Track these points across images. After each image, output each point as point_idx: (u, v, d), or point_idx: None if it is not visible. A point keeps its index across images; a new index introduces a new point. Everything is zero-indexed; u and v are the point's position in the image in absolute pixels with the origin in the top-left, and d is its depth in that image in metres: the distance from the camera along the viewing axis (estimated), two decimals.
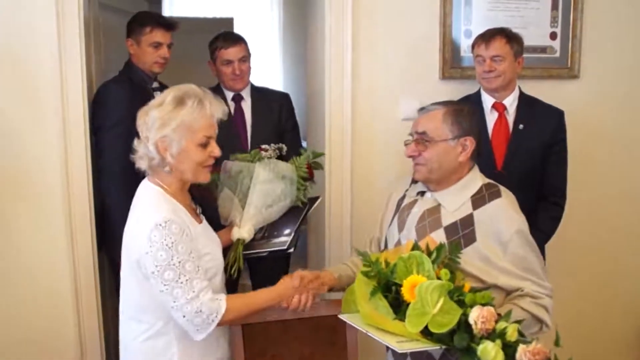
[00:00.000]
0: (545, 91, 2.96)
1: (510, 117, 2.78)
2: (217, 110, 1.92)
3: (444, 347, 1.69)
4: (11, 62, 2.61)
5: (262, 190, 2.31)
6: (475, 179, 2.10)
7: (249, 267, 3.14)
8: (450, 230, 2.02)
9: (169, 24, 2.96)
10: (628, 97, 3.29)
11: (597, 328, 3.42)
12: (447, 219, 2.04)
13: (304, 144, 3.58)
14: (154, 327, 1.91)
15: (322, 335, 2.15)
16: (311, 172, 2.51)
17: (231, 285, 2.45)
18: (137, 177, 2.01)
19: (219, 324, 1.87)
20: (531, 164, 2.76)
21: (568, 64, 3.20)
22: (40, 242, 2.71)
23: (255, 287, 2.95)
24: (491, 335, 1.64)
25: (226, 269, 2.26)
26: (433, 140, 2.04)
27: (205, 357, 1.98)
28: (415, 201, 2.16)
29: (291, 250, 2.28)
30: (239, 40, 3.13)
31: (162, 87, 2.91)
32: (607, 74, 3.25)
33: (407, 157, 2.12)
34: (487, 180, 2.12)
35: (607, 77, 3.26)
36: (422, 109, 2.15)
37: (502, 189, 2.10)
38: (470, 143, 2.05)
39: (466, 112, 2.10)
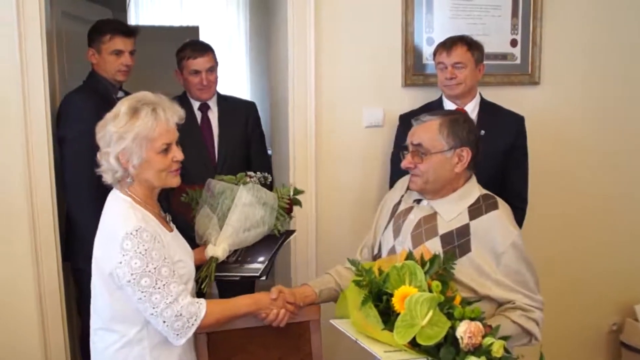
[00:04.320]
0: (506, 97, 3.01)
1: None
2: (172, 115, 1.90)
3: (430, 358, 1.68)
4: None
5: (243, 212, 2.29)
6: (473, 190, 2.10)
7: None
8: (446, 239, 2.02)
9: (129, 31, 2.91)
10: (587, 102, 3.37)
11: (568, 329, 3.47)
12: (443, 227, 2.04)
13: (269, 152, 3.59)
14: (126, 336, 1.90)
15: (288, 341, 2.15)
16: (291, 207, 2.49)
17: (198, 294, 2.44)
18: (102, 189, 1.98)
19: (198, 328, 1.87)
20: (493, 169, 2.78)
21: (528, 70, 3.26)
22: (3, 255, 2.65)
23: (221, 296, 2.93)
24: (478, 349, 1.64)
25: (197, 283, 2.27)
26: (429, 152, 2.03)
27: None
28: (411, 208, 2.15)
29: (263, 277, 2.26)
30: (207, 50, 3.10)
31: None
32: (566, 80, 3.32)
33: (404, 169, 2.11)
34: (484, 191, 2.11)
35: (566, 83, 3.32)
36: (417, 119, 2.13)
37: (499, 200, 2.09)
38: (466, 153, 2.04)
39: (462, 122, 2.08)
